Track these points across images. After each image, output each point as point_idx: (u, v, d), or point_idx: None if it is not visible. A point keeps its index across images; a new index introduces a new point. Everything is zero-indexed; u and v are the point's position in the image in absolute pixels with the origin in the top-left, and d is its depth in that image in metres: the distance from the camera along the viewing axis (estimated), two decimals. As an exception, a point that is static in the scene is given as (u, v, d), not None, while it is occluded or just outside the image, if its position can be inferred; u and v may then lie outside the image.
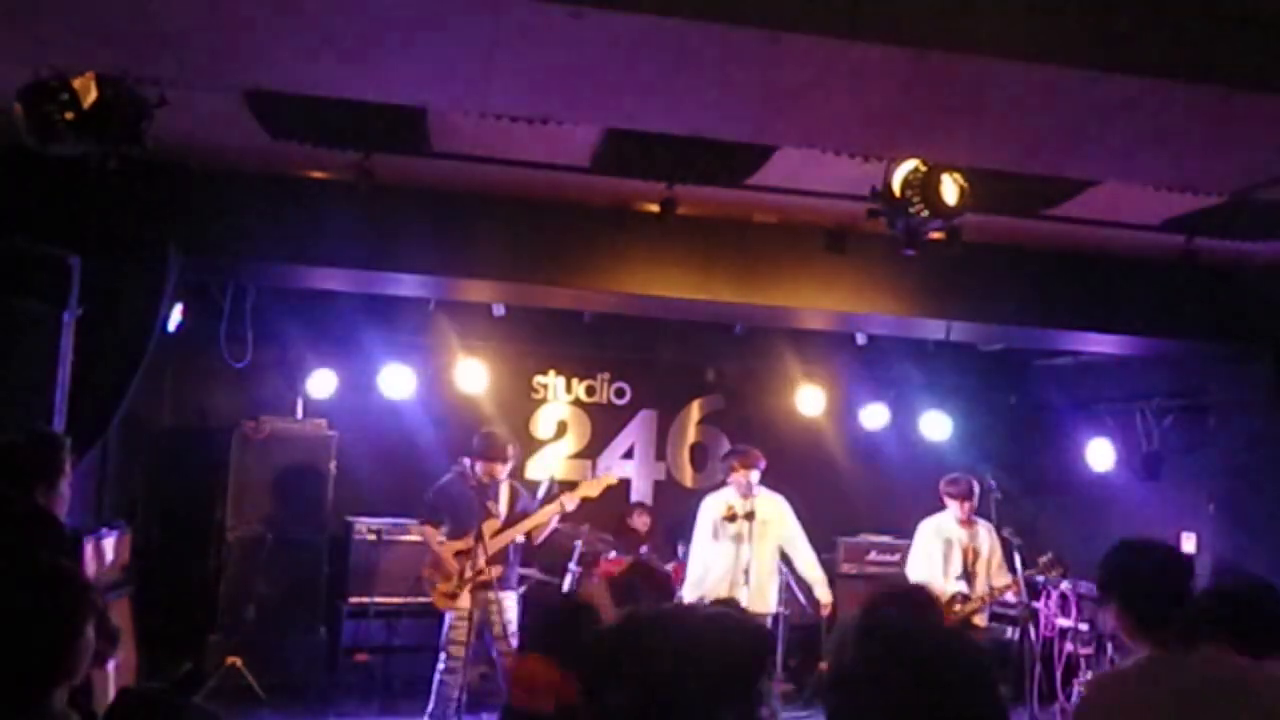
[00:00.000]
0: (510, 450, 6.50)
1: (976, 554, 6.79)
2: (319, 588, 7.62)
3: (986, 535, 6.87)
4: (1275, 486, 6.94)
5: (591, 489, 6.80)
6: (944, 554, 6.76)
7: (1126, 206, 5.56)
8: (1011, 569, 6.79)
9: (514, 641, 6.30)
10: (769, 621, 6.58)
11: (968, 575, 6.73)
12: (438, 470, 7.35)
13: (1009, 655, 7.55)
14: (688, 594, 6.61)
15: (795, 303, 6.52)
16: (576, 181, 5.60)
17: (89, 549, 5.58)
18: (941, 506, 6.93)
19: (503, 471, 6.45)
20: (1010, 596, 6.82)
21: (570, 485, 6.96)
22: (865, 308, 6.61)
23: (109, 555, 6.05)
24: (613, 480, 7.11)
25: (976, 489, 6.83)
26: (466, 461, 6.69)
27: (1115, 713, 2.56)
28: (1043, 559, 6.76)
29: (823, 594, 6.71)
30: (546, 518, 6.47)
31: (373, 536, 7.71)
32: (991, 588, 6.74)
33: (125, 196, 5.30)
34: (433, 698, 6.27)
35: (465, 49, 3.49)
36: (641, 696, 1.80)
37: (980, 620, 6.75)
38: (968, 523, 6.81)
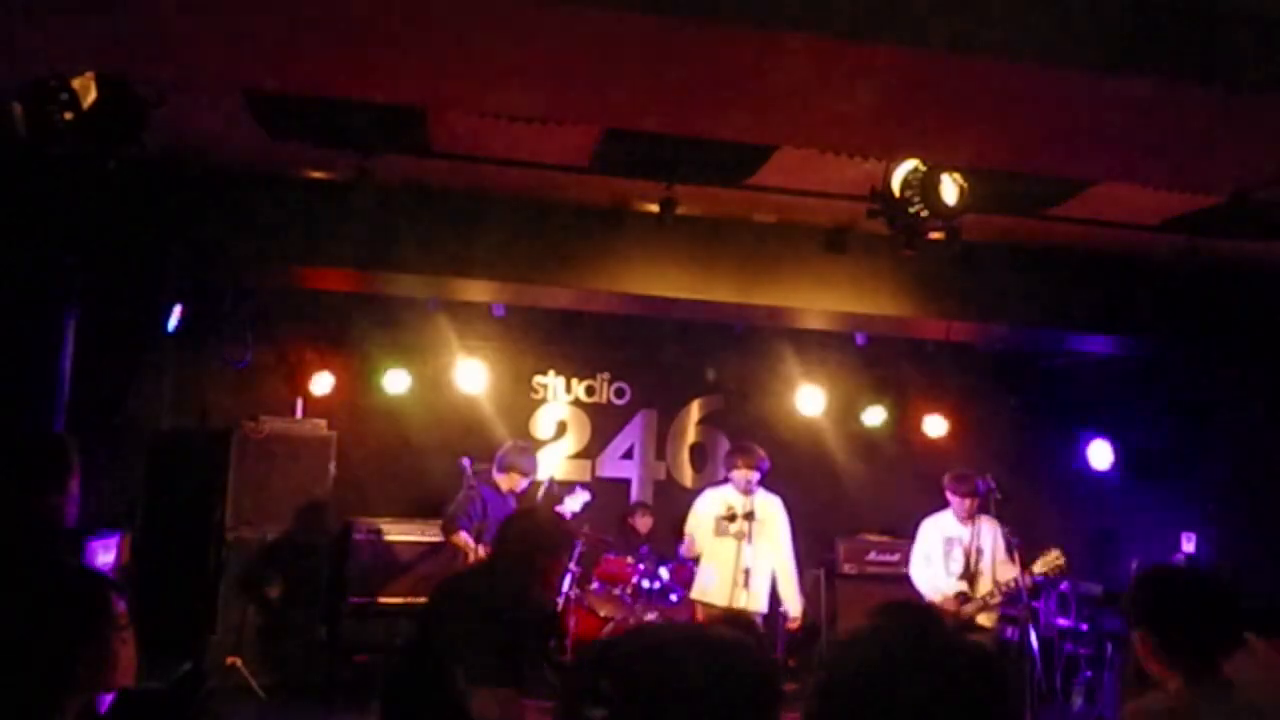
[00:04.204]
0: (533, 464, 6.58)
1: (980, 552, 6.70)
2: (319, 588, 7.62)
3: (990, 532, 6.79)
4: (1275, 486, 6.94)
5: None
6: (945, 553, 6.72)
7: (1126, 206, 5.56)
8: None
9: None
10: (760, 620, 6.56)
11: (970, 575, 6.68)
12: (438, 470, 7.36)
13: (1009, 655, 7.53)
14: (694, 592, 6.70)
15: (795, 303, 6.52)
16: (576, 181, 5.60)
17: (89, 549, 5.58)
18: (944, 504, 6.89)
19: (522, 483, 6.50)
20: (1020, 583, 6.67)
21: (571, 485, 6.99)
22: (865, 308, 6.61)
23: (109, 556, 6.05)
24: (575, 508, 7.08)
25: (981, 486, 6.79)
26: (467, 463, 6.73)
27: None
28: (1049, 554, 6.65)
29: (794, 610, 6.65)
30: None
31: (373, 537, 7.71)
32: (997, 583, 6.64)
33: (125, 196, 5.31)
34: None
35: (465, 49, 3.49)
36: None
37: (987, 620, 6.62)
38: (970, 520, 6.75)
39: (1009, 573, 6.68)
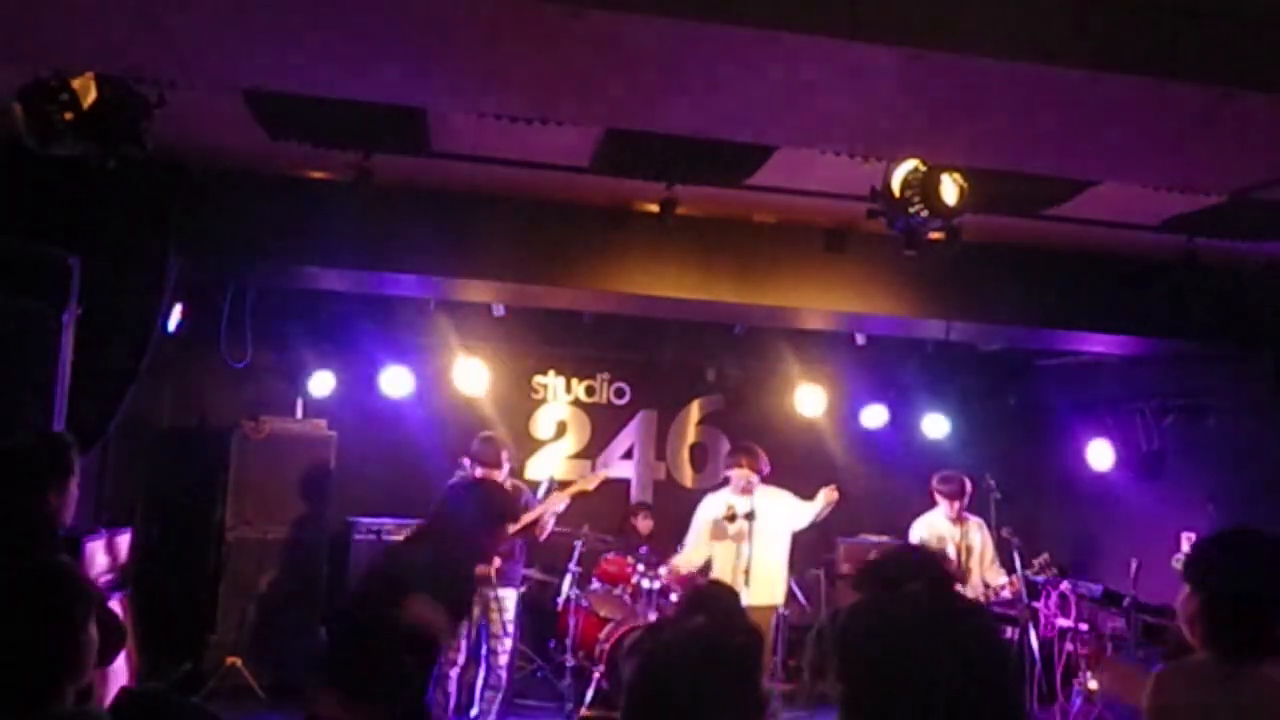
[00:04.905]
0: (505, 455, 6.52)
1: (969, 550, 6.80)
2: (319, 588, 7.62)
3: (978, 532, 6.87)
4: (1275, 486, 6.94)
5: (587, 484, 6.90)
6: None
7: (1126, 206, 5.56)
8: (1011, 568, 6.78)
9: (509, 641, 6.38)
10: (774, 615, 6.56)
11: (961, 572, 6.74)
12: (438, 470, 7.33)
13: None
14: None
15: (795, 303, 6.53)
16: (576, 181, 5.60)
17: (88, 549, 5.58)
18: (933, 504, 6.94)
19: (500, 475, 6.46)
20: (1008, 594, 6.79)
21: (569, 486, 6.99)
22: (865, 308, 6.61)
23: (109, 555, 6.05)
24: (605, 475, 7.13)
25: (969, 486, 6.83)
26: (467, 462, 6.71)
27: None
28: (1038, 559, 6.75)
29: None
30: (542, 512, 6.50)
31: (373, 537, 7.71)
32: (987, 585, 6.72)
33: (125, 196, 5.31)
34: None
35: (464, 49, 3.49)
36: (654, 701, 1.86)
37: None
38: (958, 520, 6.82)
39: (999, 577, 6.74)
